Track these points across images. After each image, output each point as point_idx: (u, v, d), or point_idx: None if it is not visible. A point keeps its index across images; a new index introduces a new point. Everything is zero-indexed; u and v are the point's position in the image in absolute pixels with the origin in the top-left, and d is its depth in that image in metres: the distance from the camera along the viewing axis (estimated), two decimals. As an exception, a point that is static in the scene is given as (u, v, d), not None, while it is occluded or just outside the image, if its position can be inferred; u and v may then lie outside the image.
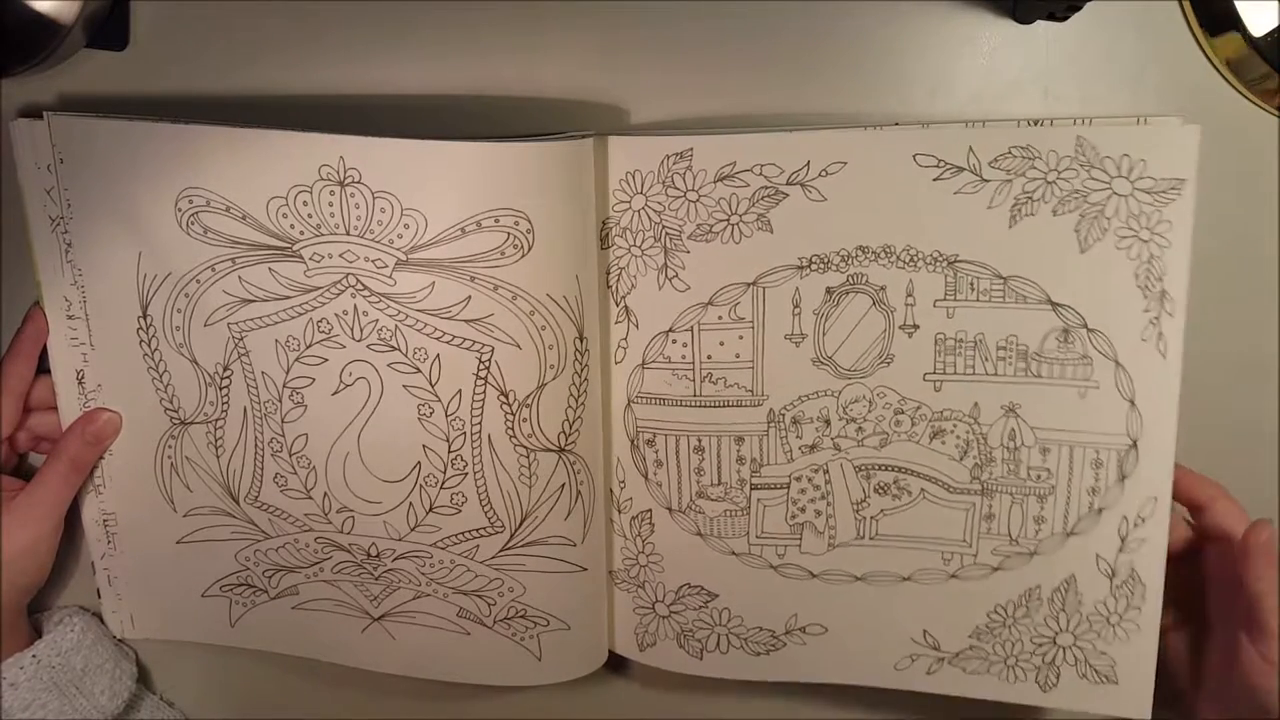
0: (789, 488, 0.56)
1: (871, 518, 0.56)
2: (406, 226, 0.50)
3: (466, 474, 0.55)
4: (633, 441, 0.57)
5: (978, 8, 0.55)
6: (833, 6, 0.54)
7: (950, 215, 0.52)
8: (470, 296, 0.52)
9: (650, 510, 0.57)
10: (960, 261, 0.53)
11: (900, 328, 0.54)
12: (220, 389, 0.55)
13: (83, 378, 0.56)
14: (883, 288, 0.53)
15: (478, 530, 0.56)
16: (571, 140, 0.51)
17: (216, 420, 0.56)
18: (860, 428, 0.55)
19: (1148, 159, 0.50)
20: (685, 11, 0.54)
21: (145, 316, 0.55)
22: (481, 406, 0.54)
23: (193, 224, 0.52)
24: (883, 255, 0.53)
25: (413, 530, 0.57)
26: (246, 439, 0.56)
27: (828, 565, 0.57)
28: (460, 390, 0.53)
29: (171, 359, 0.55)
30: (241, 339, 0.54)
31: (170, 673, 0.64)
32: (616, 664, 0.62)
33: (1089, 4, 0.51)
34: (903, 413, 0.55)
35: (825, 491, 0.56)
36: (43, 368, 0.56)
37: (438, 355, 0.53)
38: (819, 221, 0.53)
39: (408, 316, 0.52)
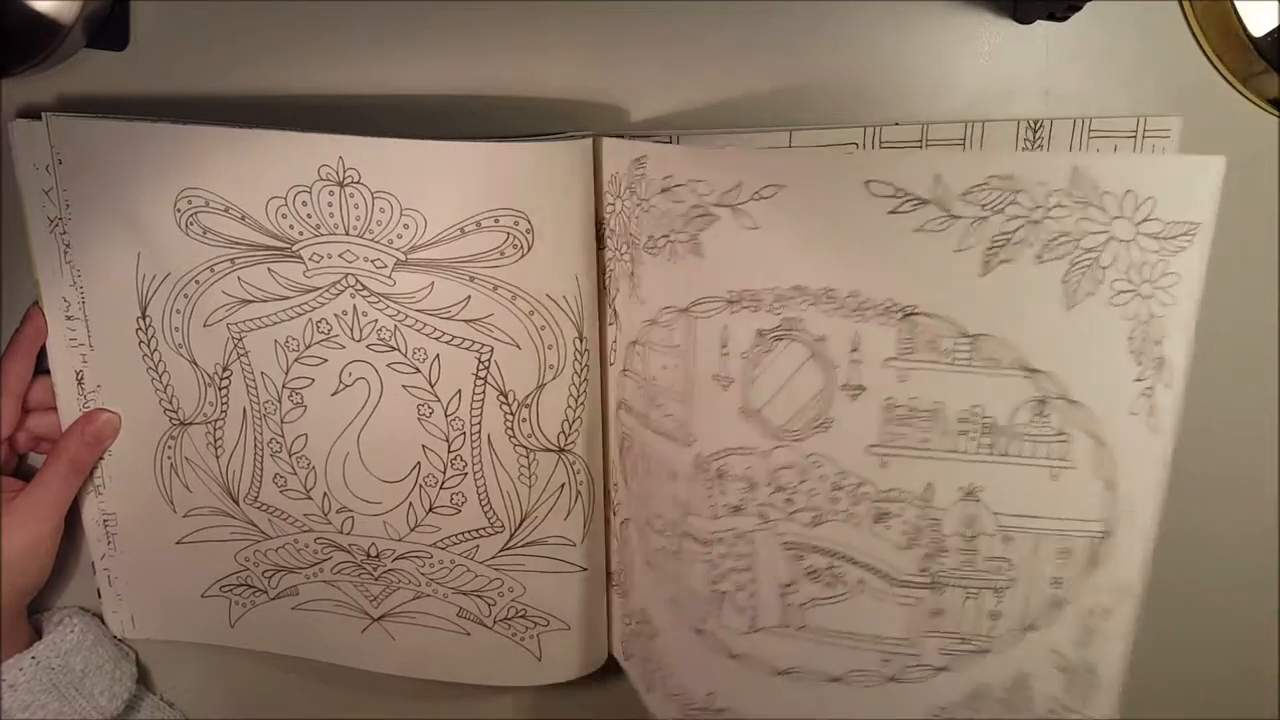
0: (712, 547, 0.51)
1: (800, 605, 0.49)
2: (406, 227, 0.50)
3: (466, 474, 0.55)
4: (620, 446, 0.56)
5: (977, 8, 0.54)
6: (833, 6, 0.54)
7: (908, 258, 0.43)
8: (470, 296, 0.52)
9: (630, 519, 0.57)
10: (919, 314, 0.44)
11: (842, 388, 0.46)
12: (219, 389, 0.55)
13: (82, 378, 0.56)
14: (822, 338, 0.46)
15: (477, 530, 0.56)
16: (571, 140, 0.51)
17: (216, 421, 0.56)
18: (790, 499, 0.48)
19: (1158, 197, 0.42)
20: (685, 11, 0.54)
21: (144, 317, 0.55)
22: (481, 406, 0.54)
23: (192, 224, 0.52)
24: (823, 300, 0.45)
25: (412, 530, 0.57)
26: (246, 439, 0.56)
27: (747, 649, 0.51)
28: (460, 390, 0.53)
29: (171, 359, 0.55)
30: (241, 339, 0.54)
31: (170, 673, 0.64)
32: (616, 664, 0.62)
33: (1089, 4, 0.51)
34: (841, 489, 0.47)
35: (749, 564, 0.50)
36: (42, 368, 0.56)
37: (437, 355, 0.53)
38: (751, 252, 0.46)
39: (407, 317, 0.52)
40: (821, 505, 0.48)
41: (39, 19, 0.50)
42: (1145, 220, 0.42)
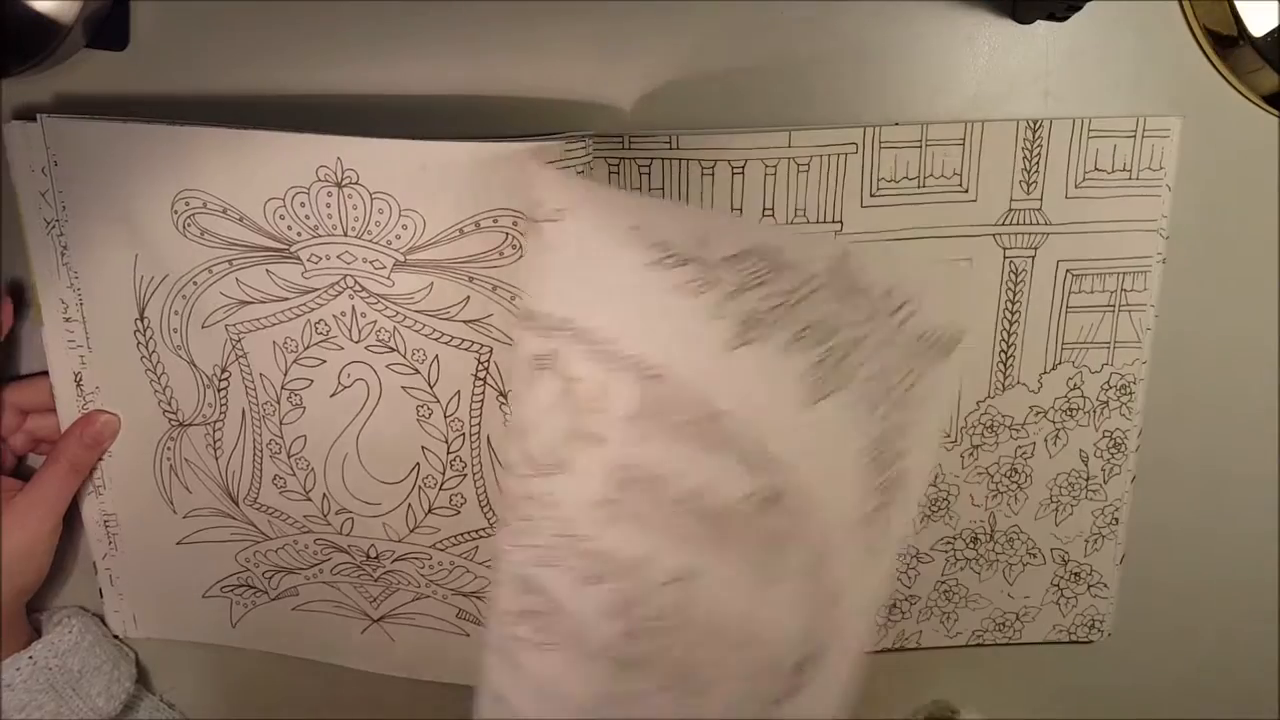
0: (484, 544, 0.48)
1: (514, 638, 0.46)
2: (405, 227, 0.50)
3: (465, 475, 0.55)
4: None
5: (977, 7, 0.54)
6: (832, 6, 0.54)
7: (663, 316, 0.40)
8: (469, 297, 0.52)
9: None
10: (661, 378, 0.41)
11: (584, 435, 0.42)
12: (218, 391, 0.55)
13: (80, 380, 0.56)
14: (576, 379, 0.42)
15: (477, 531, 0.56)
16: (570, 140, 0.50)
17: (215, 422, 0.56)
18: (526, 532, 0.44)
19: (919, 301, 0.40)
20: (685, 11, 0.54)
21: (143, 319, 0.54)
22: (480, 407, 0.54)
23: (189, 226, 0.52)
24: (585, 339, 0.42)
25: (412, 532, 0.57)
26: (245, 441, 0.56)
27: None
28: (459, 391, 0.53)
29: (169, 361, 0.55)
30: (239, 341, 0.54)
31: (171, 674, 0.64)
32: (616, 664, 0.62)
33: (1089, 4, 0.51)
34: (566, 536, 0.43)
35: (493, 577, 0.48)
36: (41, 369, 0.56)
37: (436, 356, 0.53)
38: (540, 272, 0.44)
39: (406, 317, 0.52)
40: (548, 546, 0.43)
41: (39, 19, 0.49)
42: (904, 324, 0.40)
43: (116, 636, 0.62)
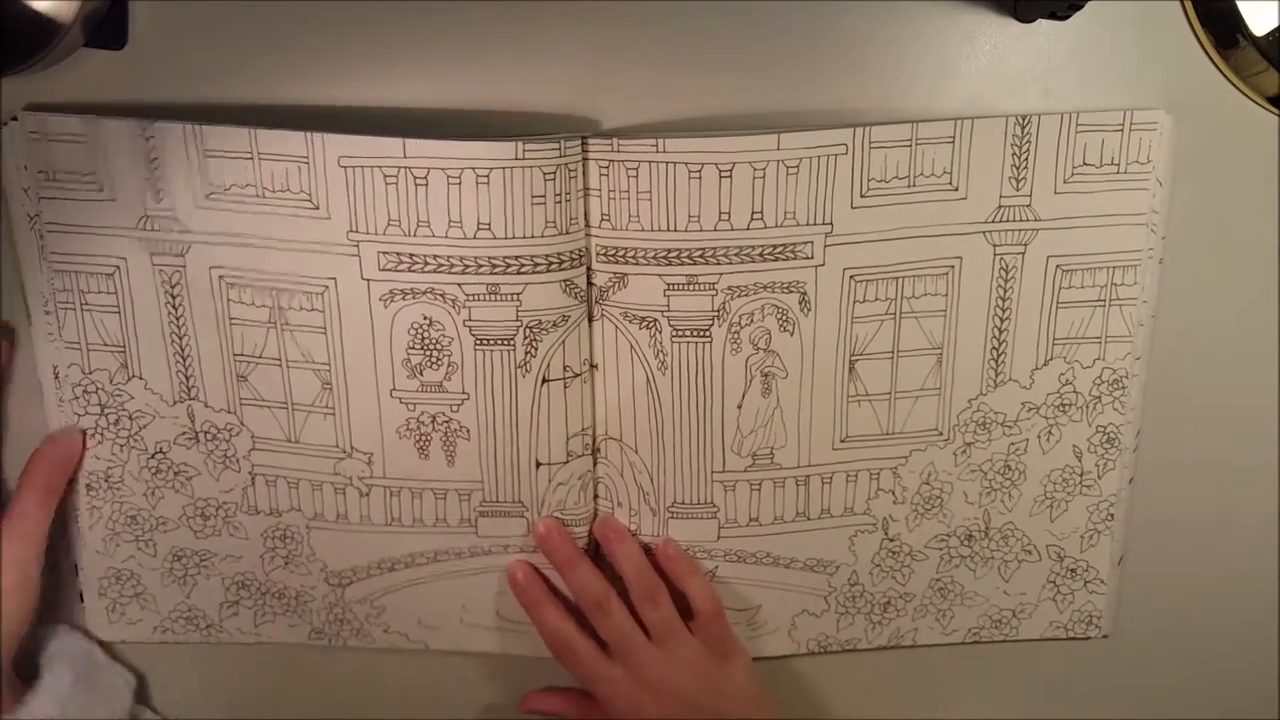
0: None
1: None
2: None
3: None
4: None
5: (978, 6, 0.54)
6: (832, 5, 0.54)
7: None
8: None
9: None
10: None
11: None
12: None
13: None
14: None
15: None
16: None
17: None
18: None
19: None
20: (684, 11, 0.53)
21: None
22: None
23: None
24: None
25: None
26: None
27: None
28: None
29: None
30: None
31: (169, 679, 0.63)
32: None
33: (1090, 2, 0.50)
34: None
35: None
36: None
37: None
38: None
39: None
40: None
41: (38, 18, 0.49)
42: None
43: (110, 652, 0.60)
